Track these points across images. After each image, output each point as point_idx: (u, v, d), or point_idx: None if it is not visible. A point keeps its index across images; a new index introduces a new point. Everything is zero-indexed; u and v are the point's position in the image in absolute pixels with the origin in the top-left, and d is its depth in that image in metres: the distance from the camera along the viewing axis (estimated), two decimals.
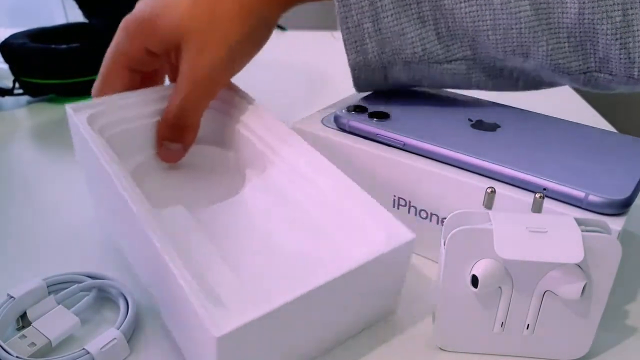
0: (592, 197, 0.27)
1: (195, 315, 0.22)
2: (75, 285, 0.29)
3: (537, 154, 0.31)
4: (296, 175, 0.32)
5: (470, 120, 0.35)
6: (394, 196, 0.33)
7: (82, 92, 0.54)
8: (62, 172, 0.44)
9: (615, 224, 0.26)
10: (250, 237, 0.32)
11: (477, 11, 0.31)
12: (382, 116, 0.35)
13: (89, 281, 0.30)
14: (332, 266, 0.25)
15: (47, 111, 0.55)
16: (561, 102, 0.61)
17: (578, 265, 0.24)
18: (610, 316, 0.29)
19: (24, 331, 0.27)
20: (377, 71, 0.35)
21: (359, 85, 0.37)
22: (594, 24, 0.29)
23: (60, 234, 0.36)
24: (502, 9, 0.31)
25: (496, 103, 0.38)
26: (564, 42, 0.31)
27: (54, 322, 0.27)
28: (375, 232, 0.27)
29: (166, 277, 0.25)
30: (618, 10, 0.29)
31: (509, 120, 0.35)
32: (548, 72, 0.32)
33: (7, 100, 0.57)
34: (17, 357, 0.25)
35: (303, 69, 0.70)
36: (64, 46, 0.54)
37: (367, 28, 0.34)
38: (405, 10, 0.33)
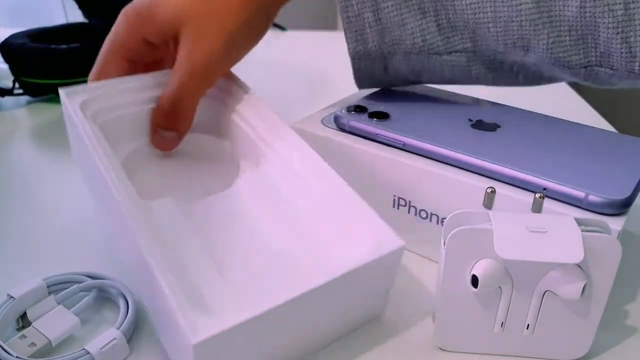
0: (592, 197, 0.27)
1: (174, 319, 0.22)
2: (75, 285, 0.29)
3: (537, 154, 0.31)
4: (289, 172, 0.32)
5: (470, 120, 0.35)
6: (394, 196, 0.33)
7: None
8: (62, 172, 0.44)
9: (615, 224, 0.26)
10: (239, 235, 0.31)
11: (478, 3, 0.31)
12: (382, 116, 0.35)
13: (89, 281, 0.30)
14: (318, 271, 0.24)
15: (47, 111, 0.55)
16: (561, 102, 0.61)
17: (578, 265, 0.24)
18: (610, 316, 0.29)
19: (24, 331, 0.27)
20: (377, 61, 0.35)
21: (359, 77, 0.37)
22: (595, 17, 0.29)
23: (60, 234, 0.36)
24: (503, 2, 0.31)
25: (496, 103, 0.38)
26: (565, 36, 0.30)
27: (54, 322, 0.27)
28: (364, 238, 0.27)
29: (148, 275, 0.24)
30: (620, 3, 0.29)
31: (509, 120, 0.35)
32: (548, 65, 0.32)
33: (7, 100, 0.57)
34: (17, 357, 0.25)
35: (303, 69, 0.70)
36: (64, 46, 0.54)
37: (368, 18, 0.34)
38: (405, 1, 0.33)
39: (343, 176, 0.35)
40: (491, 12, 0.31)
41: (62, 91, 0.33)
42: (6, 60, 0.55)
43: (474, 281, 0.25)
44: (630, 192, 0.27)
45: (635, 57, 0.29)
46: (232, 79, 0.38)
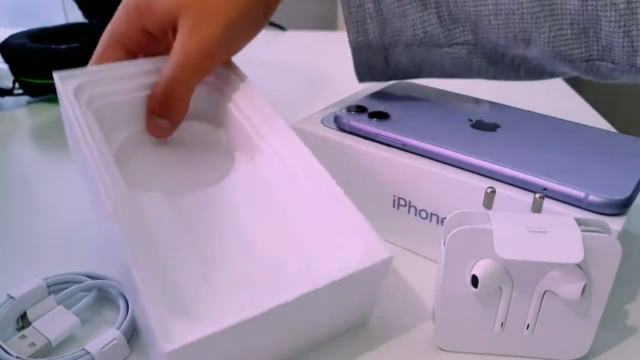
0: (592, 197, 0.27)
1: (150, 324, 0.21)
2: (75, 286, 0.29)
3: (537, 154, 0.31)
4: (282, 169, 0.31)
5: (470, 120, 0.35)
6: (394, 196, 0.33)
7: None
8: (62, 172, 0.44)
9: (615, 224, 0.26)
10: (227, 234, 0.31)
11: None
12: (382, 116, 0.35)
13: (89, 281, 0.30)
14: (303, 278, 0.24)
15: (47, 111, 0.55)
16: (561, 102, 0.61)
17: (578, 265, 0.24)
18: (610, 316, 0.29)
19: (24, 331, 0.27)
20: (378, 53, 0.35)
21: (359, 70, 0.37)
22: (597, 10, 0.29)
23: (60, 234, 0.36)
24: None
25: (496, 103, 0.38)
26: (567, 29, 0.30)
27: (54, 322, 0.27)
28: (352, 246, 0.26)
29: (129, 276, 0.23)
30: None
31: (509, 120, 0.35)
32: (549, 59, 0.32)
33: (7, 100, 0.57)
34: (17, 357, 0.25)
35: (303, 69, 0.70)
36: (64, 46, 0.54)
37: (369, 9, 0.34)
38: None
39: (343, 176, 0.35)
40: (492, 4, 0.31)
41: (56, 75, 0.33)
42: (6, 60, 0.55)
43: (474, 281, 0.25)
44: (630, 192, 0.27)
45: (637, 51, 0.29)
46: (232, 67, 0.37)
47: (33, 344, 0.26)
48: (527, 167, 0.29)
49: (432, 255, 0.34)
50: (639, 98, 1.24)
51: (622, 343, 0.28)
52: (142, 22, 0.35)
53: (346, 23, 0.35)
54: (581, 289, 0.24)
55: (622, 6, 0.28)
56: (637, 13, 0.28)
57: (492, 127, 0.34)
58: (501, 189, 0.29)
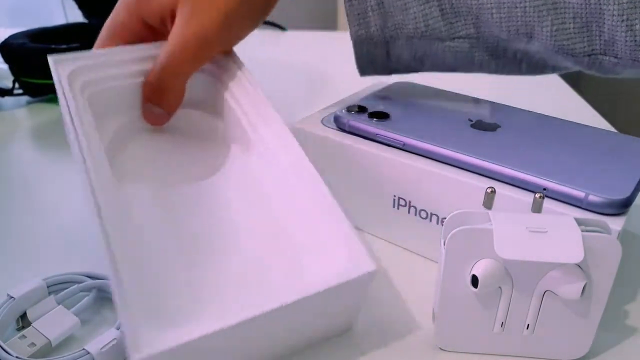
0: (592, 197, 0.27)
1: (123, 330, 0.21)
2: (75, 286, 0.29)
3: (537, 154, 0.31)
4: (274, 169, 0.31)
5: (470, 120, 0.35)
6: (394, 196, 0.33)
7: None
8: (62, 172, 0.44)
9: (615, 224, 0.26)
10: (214, 233, 0.30)
11: None
12: (382, 116, 0.35)
13: (89, 281, 0.30)
14: (284, 287, 0.24)
15: (47, 111, 0.55)
16: (561, 102, 0.61)
17: (578, 265, 0.24)
18: (610, 316, 0.29)
19: (24, 331, 0.27)
20: (379, 46, 0.35)
21: (361, 64, 0.36)
22: (600, 4, 0.29)
23: (60, 234, 0.36)
24: None
25: (496, 103, 0.38)
26: (569, 23, 0.30)
27: (54, 322, 0.27)
28: (337, 255, 0.26)
29: (109, 273, 0.23)
30: None
31: (509, 120, 0.35)
32: (552, 53, 0.32)
33: (7, 100, 0.57)
34: (17, 357, 0.25)
35: (303, 69, 0.70)
36: (64, 46, 0.54)
37: (370, 1, 0.33)
38: None
39: (343, 176, 0.35)
40: None
41: (51, 58, 0.32)
42: (6, 60, 0.55)
43: (474, 281, 0.25)
44: (630, 192, 0.27)
45: None
46: (232, 57, 0.36)
47: (33, 344, 0.26)
48: (527, 167, 0.29)
49: (432, 255, 0.34)
50: (639, 98, 1.24)
51: (622, 343, 0.28)
52: (141, 13, 0.34)
53: (347, 16, 0.35)
54: (581, 289, 0.24)
55: (625, 0, 0.28)
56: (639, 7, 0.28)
57: (492, 127, 0.34)
58: (501, 189, 0.29)
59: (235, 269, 0.28)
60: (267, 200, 0.31)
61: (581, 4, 0.29)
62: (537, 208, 0.26)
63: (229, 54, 0.36)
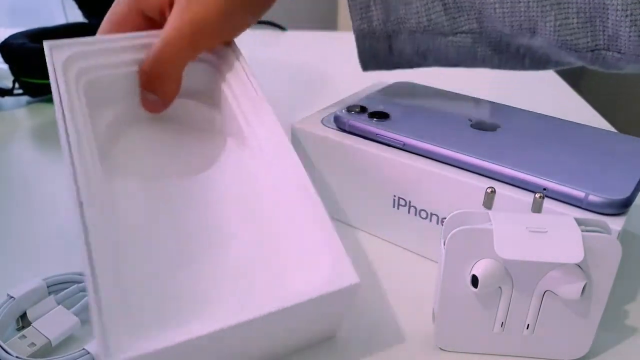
0: (592, 197, 0.27)
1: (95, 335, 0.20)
2: (75, 285, 0.29)
3: (537, 154, 0.31)
4: (266, 168, 0.30)
5: (470, 120, 0.35)
6: (394, 196, 0.33)
7: None
8: (62, 172, 0.43)
9: (615, 224, 0.26)
10: (201, 234, 0.29)
11: None
12: (382, 116, 0.35)
13: None
14: (265, 296, 0.23)
15: (47, 111, 0.55)
16: (561, 102, 0.61)
17: (578, 265, 0.24)
18: (610, 316, 0.29)
19: (24, 331, 0.27)
20: (382, 40, 0.35)
21: (363, 58, 0.36)
22: None
23: (60, 234, 0.36)
24: None
25: (496, 103, 0.38)
26: (573, 18, 0.30)
27: (54, 322, 0.27)
28: (321, 267, 0.25)
29: (86, 273, 0.22)
30: None
31: (509, 120, 0.35)
32: (555, 49, 0.32)
33: (7, 100, 0.57)
34: (17, 357, 0.25)
35: (303, 69, 0.70)
36: None
37: None
38: None
39: (343, 176, 0.35)
40: None
41: (46, 44, 0.31)
42: (6, 60, 0.55)
43: (474, 281, 0.25)
44: (630, 192, 0.27)
45: None
46: (233, 49, 0.36)
47: (33, 344, 0.26)
48: (527, 167, 0.29)
49: (432, 255, 0.34)
50: (639, 98, 1.24)
51: (622, 343, 0.28)
52: (140, 5, 0.34)
53: (350, 9, 0.34)
54: (581, 289, 0.24)
55: None
56: None
57: (492, 127, 0.34)
58: (501, 189, 0.29)
59: (218, 274, 0.28)
60: (257, 201, 0.31)
61: None
62: (537, 208, 0.26)
63: (230, 45, 0.36)
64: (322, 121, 0.36)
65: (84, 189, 0.25)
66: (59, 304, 0.28)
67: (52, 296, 0.29)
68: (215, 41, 0.35)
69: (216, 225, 0.30)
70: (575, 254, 0.23)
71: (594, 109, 0.59)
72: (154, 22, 0.35)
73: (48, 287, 0.29)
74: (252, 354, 0.25)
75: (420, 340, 0.28)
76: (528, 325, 0.26)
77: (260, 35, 0.83)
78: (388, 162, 0.33)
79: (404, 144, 0.32)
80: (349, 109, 0.36)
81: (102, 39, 0.33)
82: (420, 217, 0.33)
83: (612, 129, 0.50)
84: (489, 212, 0.25)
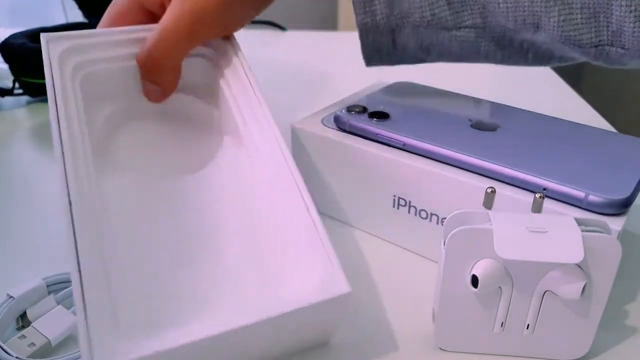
0: (592, 197, 0.27)
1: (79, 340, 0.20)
2: None
3: (537, 154, 0.31)
4: (261, 169, 0.30)
5: (470, 120, 0.35)
6: (394, 196, 0.33)
7: None
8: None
9: (615, 224, 0.26)
10: (194, 235, 0.29)
11: None
12: (382, 116, 0.35)
13: None
14: (256, 302, 0.23)
15: (47, 111, 0.55)
16: (561, 102, 0.61)
17: (578, 265, 0.24)
18: (610, 316, 0.29)
19: (24, 331, 0.27)
20: (385, 35, 0.35)
21: (367, 53, 0.36)
22: None
23: (60, 234, 0.36)
24: None
25: (496, 103, 0.38)
26: (577, 14, 0.30)
27: (54, 322, 0.27)
28: (311, 274, 0.25)
29: (71, 273, 0.22)
30: None
31: (509, 120, 0.35)
32: (559, 44, 0.32)
33: (7, 100, 0.57)
34: (16, 357, 0.25)
35: (303, 69, 0.70)
36: None
37: None
38: None
39: (343, 176, 0.35)
40: None
41: (43, 37, 0.31)
42: (6, 60, 0.55)
43: (474, 281, 0.25)
44: (630, 192, 0.27)
45: None
46: (232, 44, 0.35)
47: (33, 344, 0.26)
48: (527, 167, 0.29)
49: (432, 255, 0.34)
50: (639, 98, 1.24)
51: (622, 343, 0.28)
52: None
53: (353, 4, 0.34)
54: (581, 289, 0.24)
55: None
56: None
57: (492, 127, 0.34)
58: (501, 189, 0.29)
59: (208, 278, 0.27)
60: (251, 203, 0.30)
61: None
62: (537, 208, 0.26)
63: (229, 39, 0.35)
64: (322, 121, 0.36)
65: (74, 188, 0.25)
66: (58, 303, 0.28)
67: (51, 296, 0.29)
68: (214, 32, 0.34)
69: (213, 225, 0.30)
70: (575, 254, 0.23)
71: (594, 109, 0.59)
72: (154, 16, 0.35)
73: (48, 286, 0.29)
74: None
75: (420, 340, 0.28)
76: (528, 325, 0.26)
77: (260, 35, 0.83)
78: (388, 162, 0.33)
79: (404, 144, 0.32)
80: (349, 109, 0.36)
81: (99, 32, 0.33)
82: (420, 217, 0.33)
83: (612, 129, 0.50)
84: (489, 212, 0.25)
